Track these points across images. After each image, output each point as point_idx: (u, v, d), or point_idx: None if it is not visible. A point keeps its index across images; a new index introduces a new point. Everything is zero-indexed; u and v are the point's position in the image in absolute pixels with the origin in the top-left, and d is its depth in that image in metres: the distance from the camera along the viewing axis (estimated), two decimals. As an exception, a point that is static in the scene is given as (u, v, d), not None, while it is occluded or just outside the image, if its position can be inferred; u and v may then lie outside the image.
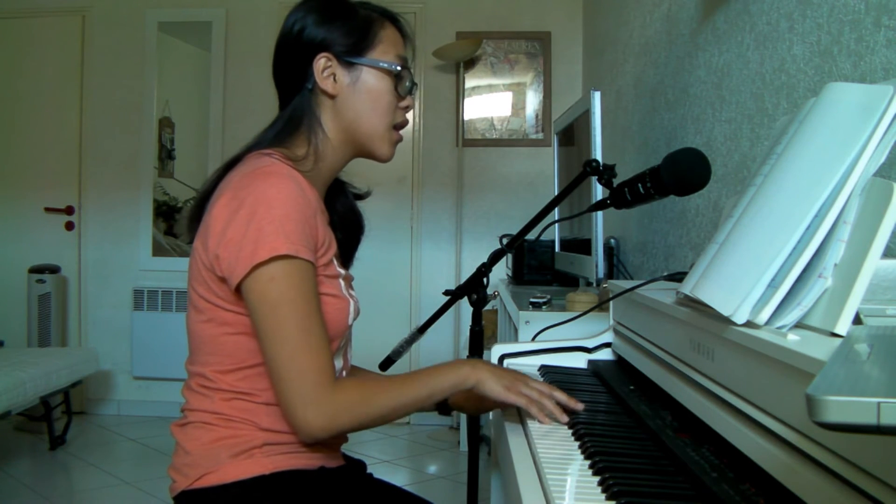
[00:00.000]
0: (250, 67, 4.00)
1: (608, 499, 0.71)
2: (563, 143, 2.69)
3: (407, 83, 1.14)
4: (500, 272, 3.40)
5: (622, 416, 1.03)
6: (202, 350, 1.05)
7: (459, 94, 4.02)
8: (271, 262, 0.95)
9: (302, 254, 0.96)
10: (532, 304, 2.03)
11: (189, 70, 4.23)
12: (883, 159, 0.72)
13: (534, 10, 4.03)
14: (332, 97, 1.11)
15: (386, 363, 1.36)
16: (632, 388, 1.13)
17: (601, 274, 2.05)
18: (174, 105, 4.16)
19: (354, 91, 1.10)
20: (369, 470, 1.25)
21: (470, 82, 4.05)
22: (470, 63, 4.02)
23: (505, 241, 1.35)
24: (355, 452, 1.25)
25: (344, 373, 1.16)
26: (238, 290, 0.98)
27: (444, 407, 1.23)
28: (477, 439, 1.41)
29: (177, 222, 4.14)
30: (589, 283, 2.27)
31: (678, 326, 0.95)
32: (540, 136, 4.03)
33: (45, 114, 4.16)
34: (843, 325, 0.66)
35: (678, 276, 1.05)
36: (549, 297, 2.09)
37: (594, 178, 1.28)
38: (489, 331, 3.00)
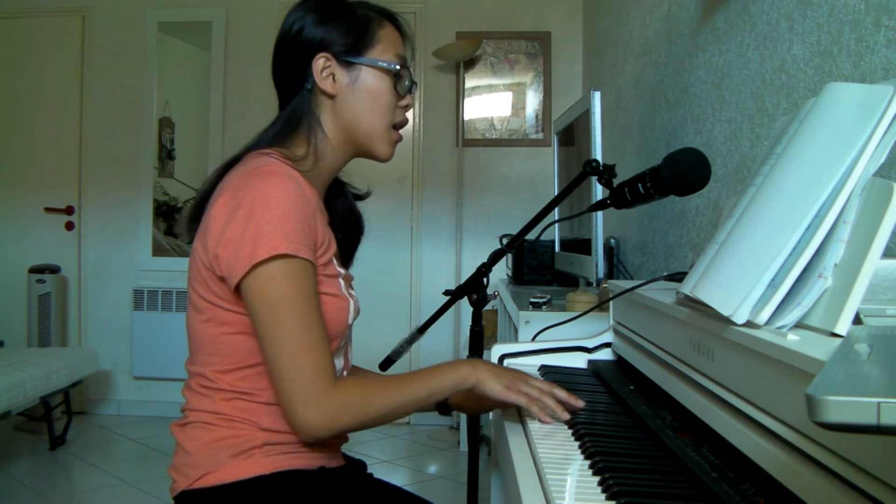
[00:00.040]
0: (250, 67, 4.00)
1: (608, 499, 0.71)
2: (563, 143, 2.69)
3: (406, 82, 1.14)
4: (500, 272, 3.40)
5: (622, 416, 1.03)
6: (202, 350, 1.05)
7: (459, 94, 4.02)
8: (270, 262, 0.95)
9: (301, 253, 0.96)
10: (532, 304, 2.03)
11: (189, 70, 4.23)
12: (883, 159, 0.72)
13: (534, 10, 4.03)
14: (332, 97, 1.11)
15: (386, 363, 1.36)
16: (632, 388, 1.13)
17: (601, 274, 2.05)
18: (174, 105, 4.16)
19: (354, 91, 1.10)
20: (369, 470, 1.25)
21: (470, 82, 4.05)
22: (470, 63, 4.02)
23: (505, 241, 1.35)
24: (355, 452, 1.25)
25: (345, 373, 1.16)
26: (238, 290, 0.98)
27: (444, 407, 1.23)
28: (477, 439, 1.41)
29: (177, 222, 4.14)
30: (589, 283, 2.27)
31: (678, 326, 0.95)
32: (540, 136, 4.03)
33: (45, 114, 4.16)
34: (843, 325, 0.66)
35: (678, 276, 1.05)
36: (549, 297, 2.09)
37: (594, 178, 1.28)
38: (489, 331, 3.00)
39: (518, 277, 2.95)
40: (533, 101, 4.04)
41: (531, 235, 1.38)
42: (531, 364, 1.36)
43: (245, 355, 1.02)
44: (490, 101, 4.06)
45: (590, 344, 1.39)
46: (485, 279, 1.28)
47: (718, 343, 0.80)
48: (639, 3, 2.67)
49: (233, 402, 1.03)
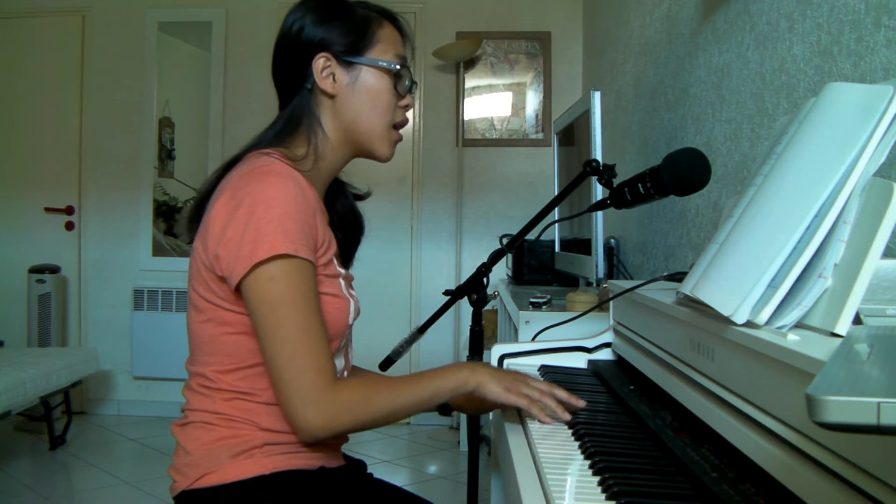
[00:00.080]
0: (250, 67, 4.00)
1: (608, 499, 0.71)
2: (563, 143, 2.69)
3: (406, 82, 1.13)
4: (500, 272, 3.40)
5: (622, 416, 1.03)
6: (202, 350, 1.05)
7: (459, 94, 4.02)
8: (271, 262, 0.95)
9: (301, 253, 0.96)
10: (532, 304, 2.03)
11: (189, 70, 4.23)
12: (883, 159, 0.72)
13: (534, 10, 4.03)
14: (332, 97, 1.11)
15: (386, 363, 1.36)
16: (632, 388, 1.13)
17: (601, 274, 2.05)
18: (174, 105, 4.16)
19: (354, 90, 1.10)
20: (369, 470, 1.25)
21: (470, 82, 4.05)
22: (470, 63, 4.02)
23: (505, 241, 1.35)
24: (355, 452, 1.25)
25: (345, 373, 1.16)
26: (238, 290, 0.98)
27: (444, 407, 1.23)
28: (477, 439, 1.41)
29: (177, 222, 4.14)
30: (589, 283, 2.27)
31: (678, 326, 0.95)
32: (540, 136, 4.03)
33: (45, 114, 4.16)
34: (843, 325, 0.66)
35: (678, 276, 1.05)
36: (549, 297, 2.09)
37: (594, 178, 1.28)
38: (489, 331, 3.00)
39: (518, 277, 2.95)
40: (533, 101, 4.04)
41: (531, 235, 1.38)
42: (531, 364, 1.36)
43: (245, 355, 1.02)
44: (490, 101, 4.06)
45: (590, 344, 1.39)
46: (485, 279, 1.28)
47: (718, 343, 0.80)
48: (639, 3, 2.67)
49: (233, 402, 1.03)
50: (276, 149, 1.07)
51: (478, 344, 1.31)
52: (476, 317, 1.31)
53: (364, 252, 1.27)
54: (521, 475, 0.81)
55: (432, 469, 3.33)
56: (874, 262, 0.67)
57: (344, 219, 1.22)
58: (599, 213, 1.98)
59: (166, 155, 4.15)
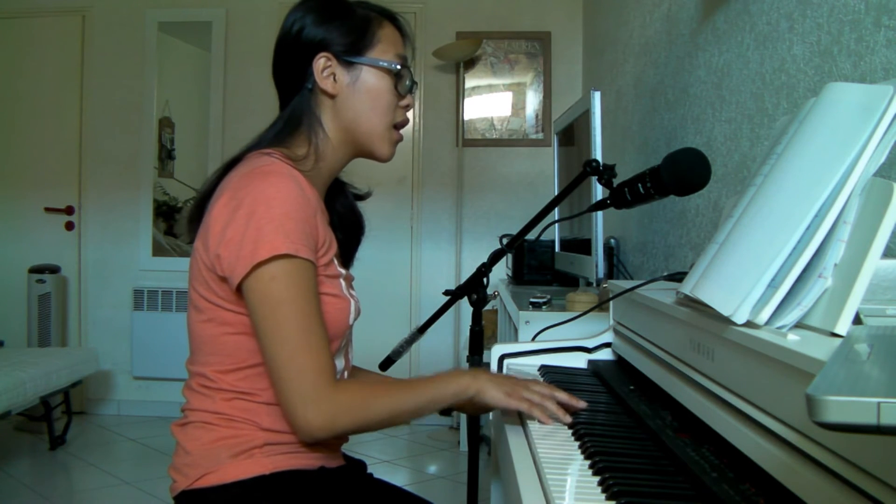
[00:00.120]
0: (250, 67, 4.00)
1: (608, 499, 0.71)
2: (563, 143, 2.69)
3: (407, 82, 1.14)
4: (500, 272, 3.40)
5: (622, 416, 1.03)
6: (203, 350, 1.05)
7: (459, 94, 4.02)
8: (272, 262, 0.95)
9: (302, 253, 0.96)
10: (532, 304, 2.03)
11: (189, 70, 4.23)
12: (883, 159, 0.72)
13: (534, 10, 4.03)
14: (332, 97, 1.11)
15: (386, 363, 1.36)
16: (632, 388, 1.13)
17: (601, 274, 2.05)
18: (174, 105, 4.16)
19: (354, 90, 1.10)
20: (369, 470, 1.25)
21: (470, 82, 4.05)
22: (470, 63, 4.02)
23: (505, 241, 1.35)
24: (355, 452, 1.25)
25: (346, 373, 1.16)
26: (239, 290, 0.98)
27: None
28: (477, 439, 1.41)
29: (177, 222, 4.14)
30: (589, 283, 2.27)
31: (678, 326, 0.95)
32: (540, 136, 4.03)
33: (45, 114, 4.16)
34: (843, 325, 0.66)
35: (678, 276, 1.05)
36: (549, 297, 2.09)
37: (594, 178, 1.28)
38: (489, 331, 3.00)
39: (518, 277, 2.95)
40: (533, 101, 4.04)
41: (531, 235, 1.38)
42: (531, 364, 1.36)
43: (246, 355, 1.02)
44: (490, 101, 4.06)
45: (590, 344, 1.39)
46: (485, 279, 1.28)
47: (718, 343, 0.80)
48: (639, 3, 2.67)
49: (233, 402, 1.03)
50: (277, 149, 1.07)
51: (478, 344, 1.31)
52: (476, 317, 1.31)
53: (364, 252, 1.27)
54: (521, 475, 0.81)
55: (432, 469, 3.33)
56: (874, 262, 0.67)
57: (344, 219, 1.22)
58: (599, 213, 1.98)
59: (166, 155, 4.15)
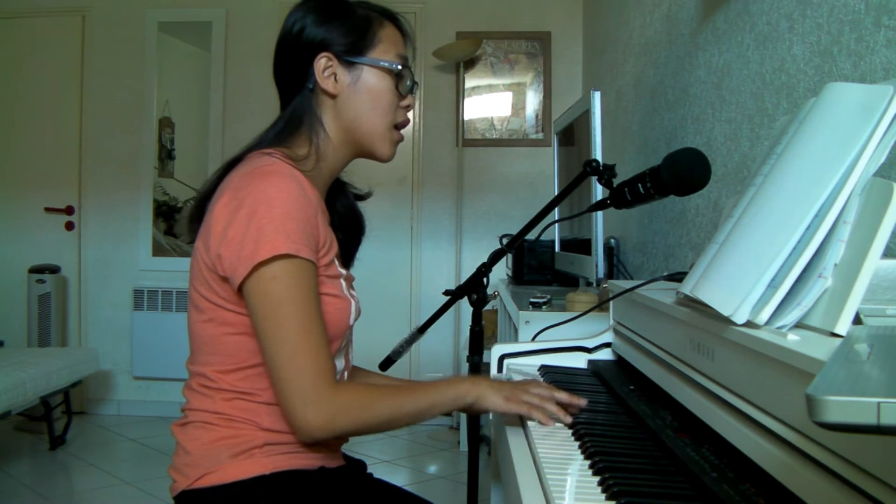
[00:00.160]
0: (250, 67, 4.00)
1: (608, 499, 0.71)
2: (563, 143, 2.69)
3: (408, 82, 1.13)
4: (500, 272, 3.40)
5: (622, 416, 1.03)
6: (203, 350, 1.05)
7: (459, 94, 4.02)
8: (273, 262, 0.95)
9: (303, 253, 0.96)
10: (532, 304, 2.03)
11: (189, 70, 4.23)
12: (883, 159, 0.72)
13: (534, 10, 4.03)
14: (333, 97, 1.11)
15: (386, 363, 1.36)
16: (632, 388, 1.13)
17: (601, 274, 2.05)
18: (174, 105, 4.16)
19: (355, 91, 1.10)
20: (369, 470, 1.25)
21: (470, 82, 4.05)
22: (470, 63, 4.02)
23: (505, 241, 1.35)
24: (355, 452, 1.25)
25: (346, 373, 1.16)
26: (240, 290, 0.98)
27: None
28: (477, 439, 1.41)
29: (177, 222, 4.14)
30: (589, 283, 2.27)
31: (678, 326, 0.95)
32: (540, 136, 4.03)
33: (45, 114, 4.16)
34: (843, 325, 0.66)
35: (678, 276, 1.05)
36: (549, 297, 2.09)
37: (594, 178, 1.28)
38: (489, 331, 3.00)
39: (518, 277, 2.95)
40: (533, 101, 4.04)
41: (531, 235, 1.38)
42: (531, 364, 1.36)
43: (246, 356, 1.02)
44: (490, 101, 4.06)
45: (590, 344, 1.39)
46: (485, 279, 1.28)
47: (718, 343, 0.80)
48: (639, 3, 2.67)
49: (233, 402, 1.03)
50: (278, 149, 1.07)
51: (478, 344, 1.31)
52: (476, 317, 1.31)
53: (364, 252, 1.27)
54: (521, 475, 0.81)
55: (432, 469, 3.33)
56: (874, 262, 0.67)
57: (345, 219, 1.22)
58: (599, 213, 1.98)
59: (166, 155, 4.15)
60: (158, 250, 4.13)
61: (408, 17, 1.17)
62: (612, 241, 2.68)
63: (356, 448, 3.11)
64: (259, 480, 1.00)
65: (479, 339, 1.31)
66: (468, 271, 2.94)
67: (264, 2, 4.01)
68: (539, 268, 2.89)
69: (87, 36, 4.14)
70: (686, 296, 0.88)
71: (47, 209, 4.14)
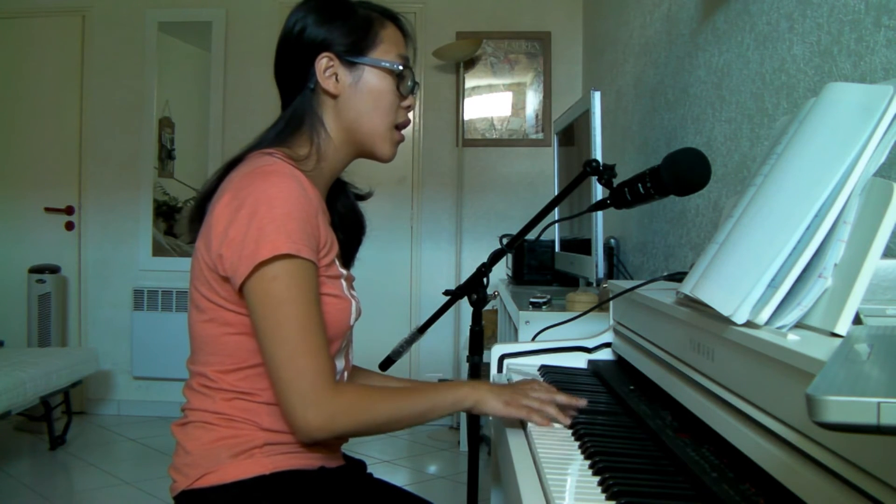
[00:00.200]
0: (250, 67, 4.00)
1: (608, 499, 0.72)
2: (563, 143, 2.69)
3: (409, 82, 1.14)
4: (500, 272, 3.40)
5: (622, 416, 1.03)
6: (204, 350, 1.05)
7: (459, 94, 4.02)
8: (274, 262, 0.95)
9: (304, 253, 0.96)
10: (532, 304, 2.03)
11: (189, 70, 4.23)
12: (883, 159, 0.72)
13: (534, 10, 4.03)
14: (334, 97, 1.11)
15: (386, 363, 1.36)
16: (632, 388, 1.13)
17: (601, 274, 2.05)
18: (174, 105, 4.16)
19: (356, 91, 1.10)
20: (369, 470, 1.25)
21: (470, 82, 4.05)
22: (470, 63, 4.02)
23: (505, 241, 1.35)
24: (355, 452, 1.25)
25: (346, 374, 1.16)
26: (241, 290, 0.98)
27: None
28: (477, 439, 1.41)
29: (177, 222, 4.14)
30: (589, 283, 2.27)
31: (678, 326, 0.95)
32: (540, 136, 4.03)
33: (45, 114, 4.16)
34: (843, 325, 0.66)
35: (678, 276, 1.05)
36: (549, 297, 2.09)
37: (594, 178, 1.28)
38: (489, 331, 3.00)
39: (518, 277, 2.95)
40: (533, 101, 4.04)
41: (531, 235, 1.38)
42: (531, 364, 1.36)
43: (246, 356, 1.02)
44: (490, 101, 4.06)
45: (590, 344, 1.39)
46: (485, 279, 1.28)
47: (718, 343, 0.80)
48: (639, 3, 2.67)
49: (233, 402, 1.03)
50: (279, 149, 1.07)
51: (478, 344, 1.31)
52: (476, 317, 1.31)
53: (364, 252, 1.27)
54: (521, 475, 0.81)
55: (432, 469, 3.33)
56: (874, 262, 0.67)
57: (345, 219, 1.22)
58: (599, 213, 1.98)
59: (166, 155, 4.15)
60: (158, 250, 4.13)
61: (408, 17, 1.17)
62: (612, 241, 2.68)
63: (356, 448, 3.12)
64: (259, 480, 1.00)
65: (479, 339, 1.31)
66: (468, 271, 2.94)
67: (264, 2, 4.01)
68: (539, 268, 2.89)
69: (87, 36, 4.14)
70: (686, 296, 0.88)
71: (47, 209, 4.14)
